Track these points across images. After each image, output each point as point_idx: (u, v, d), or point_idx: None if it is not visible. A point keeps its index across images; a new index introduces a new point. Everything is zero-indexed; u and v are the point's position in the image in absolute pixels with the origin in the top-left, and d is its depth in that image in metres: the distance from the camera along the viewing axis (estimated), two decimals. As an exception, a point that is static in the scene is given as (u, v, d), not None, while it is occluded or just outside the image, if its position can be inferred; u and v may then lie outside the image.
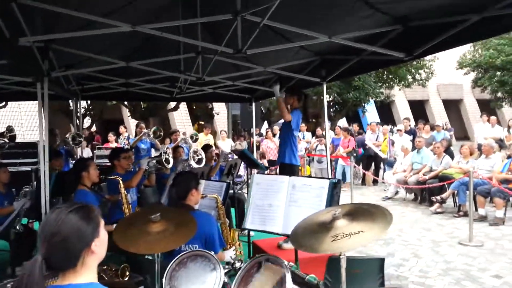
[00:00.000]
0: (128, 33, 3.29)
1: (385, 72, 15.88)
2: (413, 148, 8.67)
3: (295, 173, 4.51)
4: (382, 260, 2.51)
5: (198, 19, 3.31)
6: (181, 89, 5.57)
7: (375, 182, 10.23)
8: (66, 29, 3.19)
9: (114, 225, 2.64)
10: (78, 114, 7.23)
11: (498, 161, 6.85)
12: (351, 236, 1.61)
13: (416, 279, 4.16)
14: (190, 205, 2.73)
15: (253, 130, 8.06)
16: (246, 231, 3.53)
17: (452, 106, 28.87)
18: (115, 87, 6.10)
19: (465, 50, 19.97)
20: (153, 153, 7.59)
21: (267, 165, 9.74)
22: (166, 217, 2.26)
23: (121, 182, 3.90)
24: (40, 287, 1.22)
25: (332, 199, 2.50)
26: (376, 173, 10.36)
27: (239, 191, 6.34)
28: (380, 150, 10.28)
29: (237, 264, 2.04)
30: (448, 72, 22.94)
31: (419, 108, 27.37)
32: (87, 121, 16.68)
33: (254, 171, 6.22)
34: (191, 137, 7.35)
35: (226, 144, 11.34)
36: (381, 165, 10.51)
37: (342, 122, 16.78)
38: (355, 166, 9.22)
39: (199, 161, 5.64)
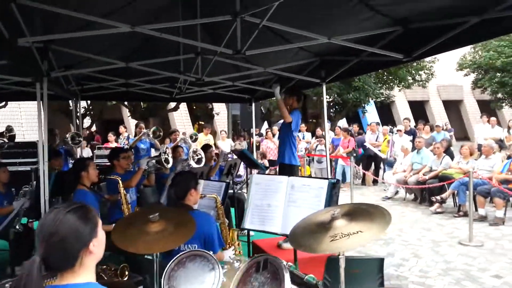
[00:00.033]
0: (128, 33, 3.29)
1: (385, 73, 15.89)
2: (413, 148, 8.68)
3: (294, 173, 4.51)
4: (381, 260, 2.50)
5: (197, 20, 3.32)
6: (181, 89, 5.57)
7: (375, 182, 10.24)
8: (66, 30, 3.19)
9: (113, 225, 2.63)
10: (78, 114, 7.24)
11: (498, 162, 6.85)
12: (350, 236, 1.61)
13: (416, 279, 4.16)
14: (189, 205, 2.73)
15: (253, 130, 8.06)
16: (246, 231, 3.52)
17: (452, 107, 28.89)
18: (115, 87, 6.10)
19: (465, 51, 20.01)
20: (153, 153, 7.59)
21: (267, 165, 9.74)
22: (165, 217, 2.26)
23: (120, 182, 3.90)
24: (38, 287, 1.22)
25: (331, 199, 2.50)
26: (376, 173, 10.36)
27: (239, 191, 6.35)
28: (379, 150, 10.28)
29: (236, 264, 2.04)
30: (448, 73, 22.96)
31: (419, 109, 27.39)
32: (87, 121, 16.69)
33: (254, 171, 6.22)
34: (191, 137, 7.35)
35: (226, 144, 11.35)
36: (381, 165, 10.51)
37: (342, 123, 16.78)
38: (355, 166, 9.22)
39: (198, 161, 5.65)
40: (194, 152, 5.58)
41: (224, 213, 3.60)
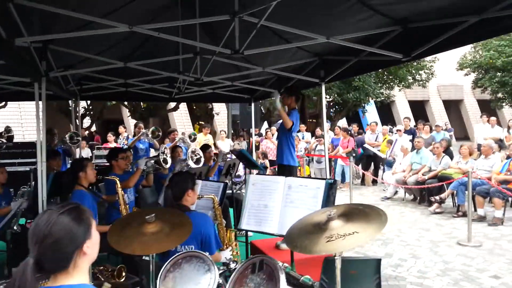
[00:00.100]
0: (127, 33, 3.29)
1: (385, 73, 15.88)
2: (413, 148, 8.67)
3: (293, 174, 4.50)
4: (378, 261, 2.49)
5: (195, 19, 3.31)
6: (180, 89, 5.57)
7: (374, 182, 10.23)
8: (64, 30, 3.19)
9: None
10: (77, 114, 7.23)
11: (497, 162, 6.84)
12: (346, 237, 1.60)
13: (414, 279, 4.15)
14: (186, 205, 2.72)
15: (252, 130, 8.06)
16: (244, 231, 3.52)
17: (453, 107, 28.88)
18: (114, 87, 6.10)
19: (465, 51, 19.99)
20: (153, 153, 7.59)
21: (268, 165, 9.73)
22: (162, 218, 2.25)
23: (118, 182, 3.89)
24: (32, 289, 1.22)
25: (328, 199, 2.49)
26: (375, 173, 10.35)
27: (238, 191, 6.34)
28: (379, 150, 10.28)
29: (232, 265, 2.04)
30: (448, 73, 22.94)
31: (419, 109, 27.38)
32: (87, 121, 16.69)
33: (254, 171, 6.21)
34: (189, 137, 7.35)
35: (225, 144, 11.33)
36: (381, 165, 10.51)
37: (342, 123, 16.78)
38: (354, 166, 9.21)
39: (197, 161, 5.65)
40: (193, 152, 5.58)
41: (223, 213, 3.60)
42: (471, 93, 27.87)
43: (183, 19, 3.40)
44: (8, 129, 6.56)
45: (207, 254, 2.06)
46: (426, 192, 7.64)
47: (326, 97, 14.95)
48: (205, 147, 6.15)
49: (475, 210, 6.53)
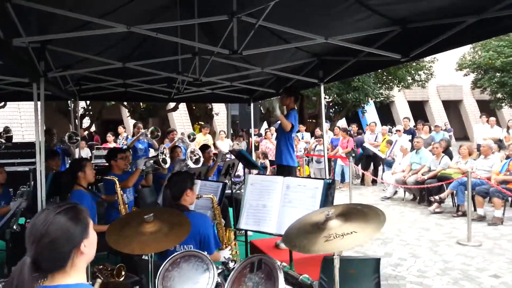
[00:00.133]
0: (125, 34, 3.29)
1: (385, 73, 15.88)
2: (412, 148, 8.68)
3: (292, 174, 4.49)
4: (377, 260, 2.49)
5: (193, 20, 3.31)
6: (179, 89, 5.56)
7: (374, 182, 10.23)
8: (62, 30, 3.18)
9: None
10: (76, 114, 7.23)
11: (496, 162, 6.85)
12: (344, 236, 1.60)
13: (414, 278, 4.15)
14: (185, 205, 2.72)
15: (252, 130, 8.05)
16: (244, 231, 3.52)
17: (452, 107, 28.90)
18: (113, 88, 6.09)
19: (464, 51, 20.01)
20: (152, 153, 7.59)
21: (269, 165, 9.72)
22: (160, 217, 2.25)
23: (117, 182, 3.88)
24: (29, 288, 1.22)
25: (327, 199, 2.50)
26: (375, 173, 10.36)
27: (238, 191, 6.34)
28: (379, 150, 10.28)
29: (231, 264, 2.04)
30: (448, 73, 22.96)
31: (419, 109, 27.40)
32: (86, 121, 16.68)
33: (254, 171, 6.20)
34: (188, 137, 7.35)
35: (225, 144, 11.33)
36: (381, 165, 10.51)
37: (342, 123, 16.77)
38: (354, 166, 9.22)
39: (196, 161, 5.64)
40: (192, 152, 5.58)
41: (222, 213, 3.59)
42: (470, 93, 27.89)
43: (181, 20, 3.40)
44: (7, 129, 6.56)
45: (205, 253, 2.06)
46: (425, 192, 7.64)
47: (325, 98, 14.96)
48: (204, 147, 6.15)
49: (475, 210, 6.53)
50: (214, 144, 11.21)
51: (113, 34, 3.30)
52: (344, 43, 3.56)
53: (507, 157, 7.15)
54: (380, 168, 10.49)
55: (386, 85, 16.53)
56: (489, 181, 6.37)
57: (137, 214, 2.43)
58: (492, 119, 10.64)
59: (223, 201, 4.76)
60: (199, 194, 3.22)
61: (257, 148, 10.90)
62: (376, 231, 1.63)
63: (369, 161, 10.55)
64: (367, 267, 2.47)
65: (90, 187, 4.03)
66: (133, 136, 8.00)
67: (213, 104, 17.17)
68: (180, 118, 21.85)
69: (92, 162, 8.05)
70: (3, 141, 6.43)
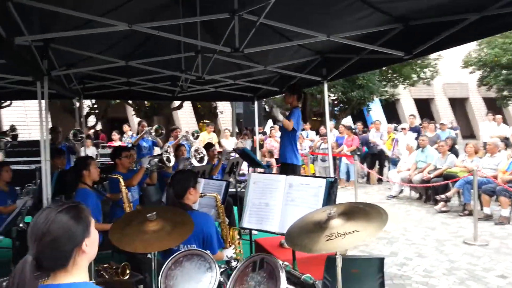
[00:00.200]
0: (128, 32, 3.28)
1: (390, 71, 15.79)
2: (418, 146, 8.62)
3: (296, 172, 4.47)
4: (381, 260, 2.47)
5: (194, 18, 3.30)
6: (183, 88, 5.56)
7: (380, 181, 10.18)
8: (64, 28, 3.19)
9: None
10: (81, 113, 7.26)
11: (503, 160, 6.77)
12: (346, 235, 1.58)
13: (420, 278, 4.12)
14: (188, 204, 2.72)
15: (256, 128, 8.03)
16: (248, 230, 3.51)
17: (458, 105, 28.66)
18: (117, 86, 6.11)
19: (470, 49, 19.80)
20: (157, 151, 7.61)
21: (274, 163, 9.69)
22: (163, 216, 2.25)
23: (121, 180, 3.89)
24: (31, 286, 1.22)
25: (329, 198, 2.48)
26: (380, 171, 10.30)
27: (243, 190, 6.33)
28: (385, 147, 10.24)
29: (233, 263, 2.03)
30: (453, 70, 22.76)
31: (424, 107, 27.19)
32: (92, 120, 16.75)
33: (260, 170, 6.19)
34: (192, 134, 7.36)
35: (230, 143, 11.32)
36: (386, 163, 10.46)
37: (347, 121, 16.69)
38: (360, 166, 9.17)
39: (200, 160, 5.64)
40: (196, 150, 5.58)
41: (226, 212, 3.59)
42: (476, 91, 27.62)
43: (184, 18, 3.39)
44: (13, 128, 6.61)
45: (208, 252, 2.06)
46: (431, 191, 7.59)
47: (330, 95, 14.90)
48: (208, 146, 6.15)
49: (482, 208, 6.47)
50: (219, 143, 11.20)
51: (115, 32, 3.30)
52: (346, 40, 3.54)
53: (514, 155, 7.08)
54: (386, 166, 10.43)
55: (391, 83, 16.43)
56: (495, 180, 6.30)
57: (140, 213, 2.43)
58: (499, 116, 10.54)
59: (228, 199, 4.76)
60: (203, 193, 3.22)
61: (261, 146, 10.88)
62: (378, 230, 1.61)
63: (374, 159, 10.50)
64: (371, 266, 2.45)
65: (95, 186, 4.05)
66: (137, 134, 8.02)
67: (217, 102, 17.15)
68: (185, 116, 21.86)
69: (98, 160, 8.10)
70: (9, 139, 6.48)
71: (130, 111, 18.79)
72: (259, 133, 10.27)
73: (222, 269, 2.04)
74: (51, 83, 3.79)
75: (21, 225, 4.04)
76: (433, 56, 15.85)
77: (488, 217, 6.35)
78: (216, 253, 2.60)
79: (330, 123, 11.82)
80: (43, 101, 3.54)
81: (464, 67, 20.07)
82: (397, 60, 4.08)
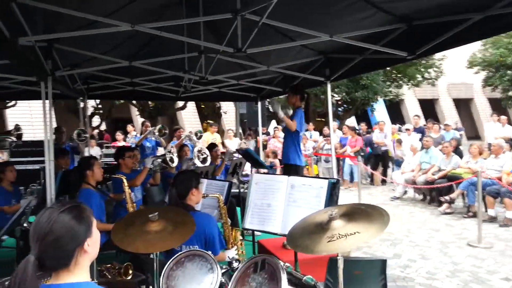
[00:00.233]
0: (131, 32, 3.30)
1: (394, 71, 15.71)
2: (422, 147, 8.57)
3: (299, 173, 4.46)
4: (384, 262, 2.46)
5: (197, 18, 3.31)
6: (186, 88, 5.58)
7: (384, 182, 10.14)
8: (68, 29, 3.20)
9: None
10: (86, 113, 7.30)
11: (507, 161, 6.72)
12: (347, 237, 1.58)
13: (423, 280, 4.10)
14: (190, 205, 2.71)
15: (260, 129, 8.03)
16: (251, 230, 3.51)
17: (463, 105, 28.50)
18: (121, 86, 6.14)
19: (475, 49, 19.67)
20: (161, 151, 7.63)
21: (278, 164, 9.69)
22: (165, 216, 2.25)
23: (124, 180, 3.90)
24: (32, 286, 1.22)
25: (331, 199, 2.48)
26: (384, 172, 10.26)
27: (246, 191, 6.34)
28: (387, 149, 10.19)
29: (235, 264, 2.03)
30: (458, 71, 22.64)
31: (429, 107, 27.05)
32: (96, 120, 16.83)
33: (263, 170, 6.19)
34: (195, 134, 7.37)
35: (233, 143, 11.32)
36: (390, 164, 10.41)
37: (351, 121, 16.63)
38: (364, 167, 9.14)
39: (204, 160, 5.65)
40: (199, 151, 5.59)
41: (229, 212, 3.58)
42: (481, 91, 27.44)
43: (187, 18, 3.40)
44: (17, 127, 6.66)
45: (209, 253, 2.05)
46: (435, 192, 7.54)
47: (334, 96, 14.86)
48: (211, 146, 6.16)
49: (486, 210, 6.42)
50: (222, 143, 11.21)
51: (119, 32, 3.31)
52: (349, 40, 3.54)
53: (519, 156, 7.02)
54: (390, 167, 10.39)
55: (396, 83, 16.35)
56: (500, 181, 6.26)
57: (142, 213, 2.43)
58: (504, 117, 10.47)
59: (231, 200, 4.77)
60: (205, 193, 3.22)
61: (265, 147, 10.86)
62: (379, 231, 1.60)
63: (378, 160, 10.46)
64: (374, 268, 2.44)
65: (98, 186, 4.06)
66: (141, 134, 8.05)
67: (221, 102, 17.18)
68: (189, 116, 21.90)
69: (102, 160, 8.13)
70: (14, 139, 6.53)
71: (134, 112, 18.85)
72: (263, 133, 10.26)
73: (223, 270, 2.04)
74: (55, 83, 3.81)
75: (25, 224, 4.06)
76: (437, 56, 15.75)
77: (492, 219, 6.30)
78: (218, 254, 2.59)
79: (334, 124, 11.79)
80: (47, 101, 3.56)
81: (469, 67, 19.94)
82: (400, 60, 4.07)
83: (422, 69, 16.25)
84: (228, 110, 19.86)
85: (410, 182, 7.87)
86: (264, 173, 5.45)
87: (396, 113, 24.67)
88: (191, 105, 20.62)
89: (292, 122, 4.33)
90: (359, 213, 1.71)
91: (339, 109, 16.23)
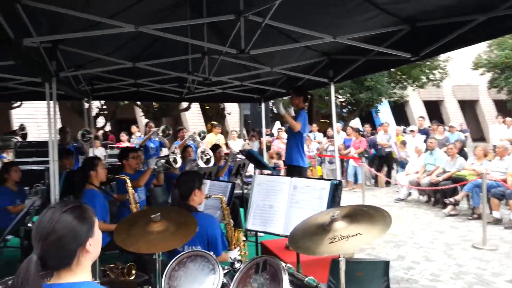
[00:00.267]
0: (135, 33, 3.32)
1: (398, 73, 15.65)
2: (426, 148, 8.53)
3: (302, 175, 4.45)
4: (386, 263, 2.45)
5: (200, 19, 3.32)
6: (190, 89, 5.60)
7: (388, 183, 10.10)
8: (72, 30, 3.22)
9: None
10: (90, 114, 7.34)
11: (513, 163, 6.67)
12: (349, 238, 1.58)
13: (427, 282, 4.08)
14: (193, 205, 2.72)
15: (263, 130, 8.03)
16: (254, 231, 3.51)
17: (468, 107, 28.33)
18: (126, 87, 6.17)
19: (480, 50, 19.56)
20: (165, 151, 7.65)
21: (282, 165, 9.68)
22: (167, 216, 2.26)
23: (128, 181, 3.92)
24: (35, 285, 1.23)
25: (333, 200, 2.47)
26: (388, 174, 10.22)
27: (249, 192, 6.33)
28: (391, 151, 10.14)
29: (237, 265, 2.03)
30: (463, 72, 22.52)
31: (434, 109, 26.92)
32: (101, 121, 16.91)
33: (267, 171, 6.19)
34: (199, 135, 7.38)
35: (237, 144, 11.32)
36: (394, 165, 10.37)
37: (355, 123, 16.59)
38: (368, 169, 9.11)
39: (207, 161, 5.66)
40: (203, 152, 5.60)
41: (232, 213, 3.58)
42: (486, 93, 27.27)
43: (191, 19, 3.41)
44: (22, 127, 6.71)
45: (211, 253, 2.06)
46: (440, 194, 7.50)
47: (338, 97, 14.82)
48: (215, 147, 6.16)
49: (491, 212, 6.38)
50: (226, 144, 11.21)
51: (123, 34, 3.33)
52: (353, 42, 3.53)
53: (525, 159, 6.95)
54: (395, 169, 10.34)
55: (400, 85, 16.29)
56: (505, 183, 6.21)
57: (144, 213, 2.44)
58: (509, 119, 10.40)
59: (234, 201, 4.76)
60: (208, 194, 3.22)
61: (269, 148, 10.85)
62: (382, 233, 1.60)
63: (382, 161, 10.42)
64: (376, 269, 2.43)
65: (102, 186, 4.08)
66: (145, 135, 8.07)
67: (225, 103, 17.20)
68: (193, 117, 21.95)
69: (106, 161, 8.17)
70: (18, 138, 6.57)
71: (139, 112, 18.92)
72: (267, 134, 10.26)
73: (225, 271, 2.04)
74: (60, 84, 3.84)
75: (29, 224, 4.09)
76: (442, 57, 15.67)
77: (497, 221, 6.26)
78: (221, 255, 2.60)
79: (338, 125, 11.77)
80: (51, 102, 3.58)
81: (474, 69, 19.83)
82: (404, 62, 4.05)
83: (427, 71, 16.17)
84: (232, 111, 19.87)
85: (415, 183, 7.84)
86: (267, 174, 5.45)
87: (400, 114, 24.57)
88: (196, 106, 20.67)
89: (295, 123, 4.33)
90: (361, 214, 1.70)
91: (344, 110, 16.19)
